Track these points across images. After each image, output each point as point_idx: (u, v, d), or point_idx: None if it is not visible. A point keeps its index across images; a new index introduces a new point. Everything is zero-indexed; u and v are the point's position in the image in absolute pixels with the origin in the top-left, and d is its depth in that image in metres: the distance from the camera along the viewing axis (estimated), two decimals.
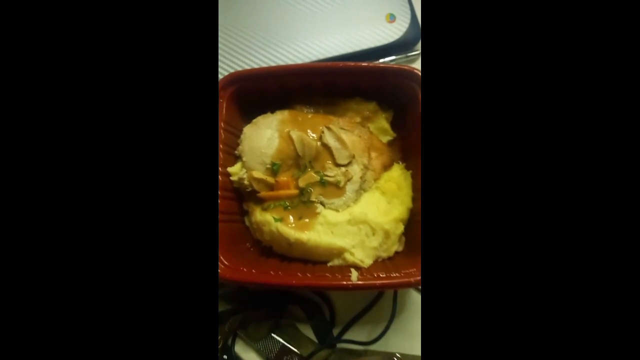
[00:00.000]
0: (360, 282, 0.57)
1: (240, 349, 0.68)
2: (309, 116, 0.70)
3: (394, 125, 0.72)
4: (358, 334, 0.68)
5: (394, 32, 0.79)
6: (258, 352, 0.67)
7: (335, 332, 0.69)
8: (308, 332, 0.69)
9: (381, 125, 0.71)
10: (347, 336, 0.68)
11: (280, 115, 0.68)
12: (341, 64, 0.65)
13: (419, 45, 0.82)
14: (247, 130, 0.68)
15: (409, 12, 0.80)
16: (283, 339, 0.67)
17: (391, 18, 0.80)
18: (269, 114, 0.69)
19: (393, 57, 0.80)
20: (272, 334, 0.67)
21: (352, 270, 0.60)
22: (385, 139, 0.72)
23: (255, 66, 0.76)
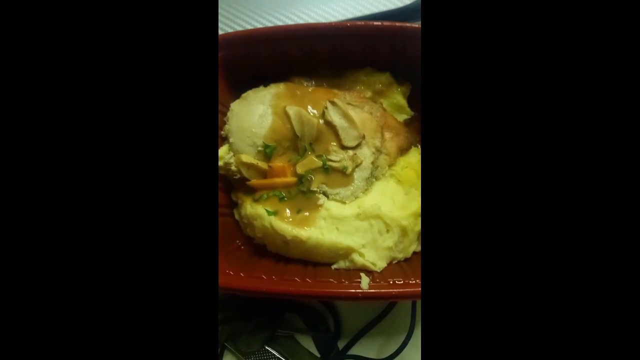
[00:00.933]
0: (372, 291, 0.46)
1: None
2: (310, 90, 0.58)
3: (412, 101, 0.60)
4: (368, 348, 0.59)
5: None
6: None
7: (341, 345, 0.59)
8: (309, 344, 0.59)
9: (396, 101, 0.60)
10: (354, 351, 0.58)
11: (275, 89, 0.57)
12: (350, 23, 0.53)
13: None
14: (235, 106, 0.57)
15: None
16: (279, 353, 0.58)
17: None
18: (261, 88, 0.58)
19: (411, 24, 0.68)
20: (267, 347, 0.58)
21: (362, 275, 0.49)
22: (402, 117, 0.60)
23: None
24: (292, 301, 0.60)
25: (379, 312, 0.59)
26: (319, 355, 0.59)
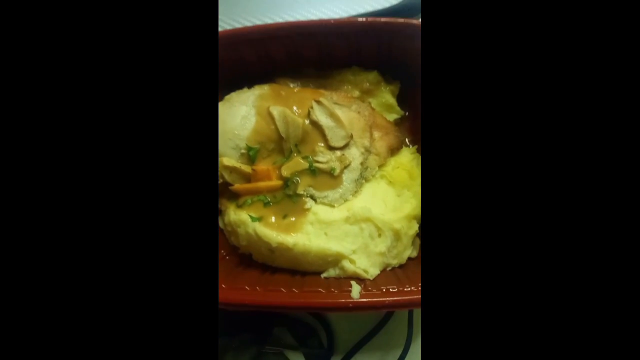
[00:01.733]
0: (364, 300, 0.43)
1: None
2: (295, 90, 0.56)
3: (402, 100, 0.58)
4: None
5: None
6: None
7: None
8: None
9: (385, 100, 0.58)
10: None
11: (259, 90, 0.55)
12: (334, 20, 0.52)
13: None
14: (219, 107, 0.54)
15: None
16: None
17: None
18: (245, 90, 0.56)
19: None
20: None
21: (353, 283, 0.46)
22: (391, 117, 0.58)
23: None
24: (281, 314, 0.56)
25: (375, 323, 0.55)
26: None
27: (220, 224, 0.56)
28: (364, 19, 0.51)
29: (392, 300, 0.42)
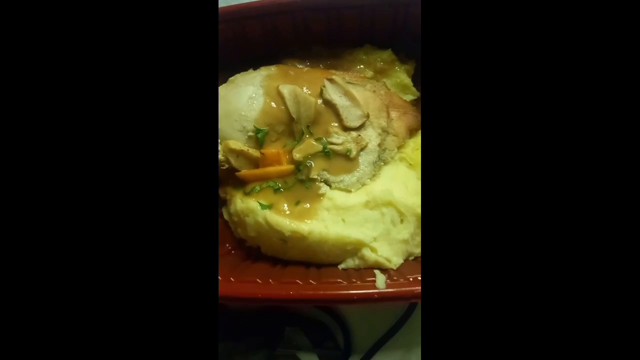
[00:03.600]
0: (390, 290, 0.39)
1: None
2: (305, 70, 0.53)
3: (418, 80, 0.55)
4: None
5: None
6: None
7: None
8: None
9: (400, 80, 0.55)
10: None
11: (266, 71, 0.52)
12: None
13: None
14: (222, 90, 0.51)
15: None
16: None
17: None
18: (250, 71, 0.52)
19: None
20: None
21: (377, 272, 0.42)
22: (407, 98, 0.55)
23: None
24: (293, 313, 0.52)
25: (395, 321, 0.51)
26: None
27: (225, 215, 0.51)
28: None
29: (421, 290, 0.38)
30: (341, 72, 0.53)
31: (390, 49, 0.54)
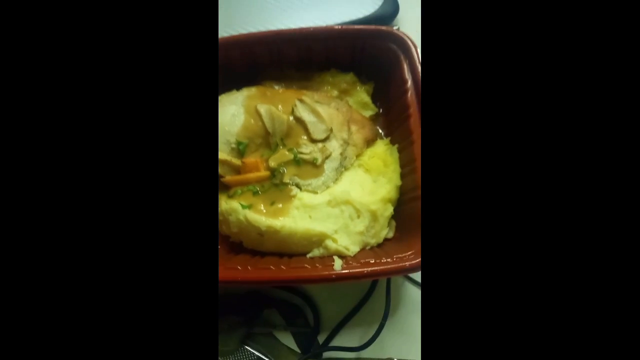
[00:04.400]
0: (345, 271, 0.48)
1: None
2: (280, 91, 0.62)
3: (375, 98, 0.65)
4: (348, 339, 0.58)
5: (370, 5, 0.73)
6: None
7: (321, 339, 0.59)
8: (289, 340, 0.59)
9: (361, 99, 0.64)
10: (335, 342, 0.58)
11: (247, 92, 0.60)
12: (313, 28, 0.58)
13: (397, 21, 0.76)
14: None
15: None
16: (258, 351, 0.57)
17: None
18: (233, 91, 0.61)
19: None
20: (245, 346, 0.57)
21: (336, 258, 0.50)
22: (367, 113, 0.64)
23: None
24: (269, 296, 0.60)
25: (357, 301, 0.59)
26: (299, 351, 0.58)
27: None
28: (340, 27, 0.58)
29: (371, 270, 0.47)
30: (311, 92, 0.62)
31: (352, 73, 0.64)
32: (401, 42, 0.57)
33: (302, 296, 0.60)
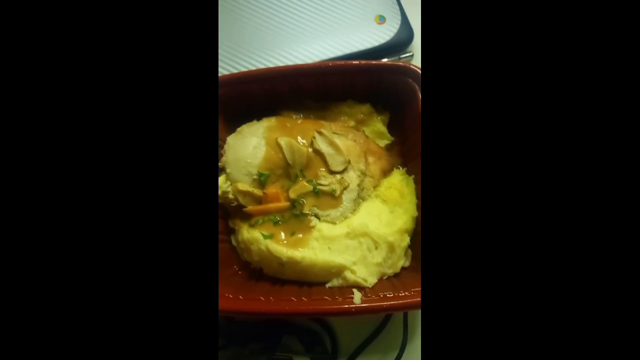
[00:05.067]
0: (364, 305, 0.49)
1: None
2: (299, 122, 0.64)
3: (391, 128, 0.67)
4: None
5: (385, 33, 0.75)
6: None
7: None
8: None
9: (377, 129, 0.66)
10: None
11: (267, 122, 0.62)
12: (331, 63, 0.60)
13: (412, 47, 0.78)
14: (231, 139, 0.62)
15: (398, 12, 0.77)
16: None
17: (380, 19, 0.76)
18: (254, 122, 0.63)
19: (385, 60, 0.76)
20: None
21: (355, 290, 0.52)
22: (383, 143, 0.66)
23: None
24: (289, 323, 0.61)
25: (374, 328, 0.61)
26: None
27: (234, 242, 0.62)
28: (358, 62, 0.59)
29: (389, 304, 0.48)
30: (328, 123, 0.64)
31: (368, 104, 0.65)
32: (416, 76, 0.58)
33: (321, 323, 0.61)
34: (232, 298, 0.52)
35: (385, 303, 0.49)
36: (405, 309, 0.50)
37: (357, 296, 0.50)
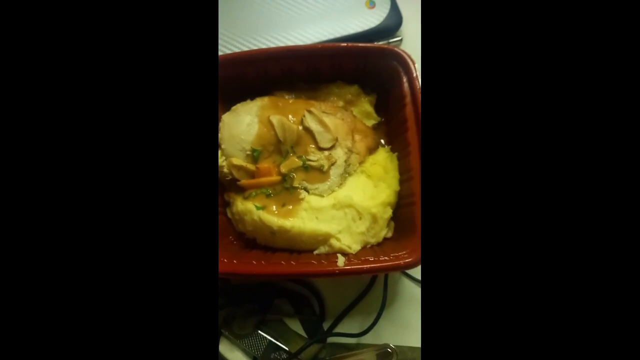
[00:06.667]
0: (347, 267, 0.54)
1: (224, 347, 0.64)
2: (290, 102, 0.68)
3: (378, 108, 0.70)
4: (349, 326, 0.65)
5: (375, 18, 0.78)
6: (244, 350, 0.63)
7: (326, 325, 0.66)
8: (297, 327, 0.65)
9: (364, 109, 0.69)
10: (338, 329, 0.65)
11: (260, 102, 0.66)
12: (321, 45, 0.64)
13: (400, 31, 0.81)
14: (226, 117, 0.65)
15: None
16: (270, 335, 0.64)
17: (371, 4, 0.79)
18: (248, 101, 0.67)
19: (375, 44, 0.79)
20: (259, 331, 0.64)
21: (339, 255, 0.57)
22: (370, 122, 0.70)
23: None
24: (280, 287, 0.66)
25: (358, 294, 0.66)
26: (306, 336, 0.65)
27: (229, 214, 0.66)
28: (345, 44, 0.63)
29: (369, 267, 0.53)
30: (318, 103, 0.68)
31: (357, 85, 0.69)
32: (401, 59, 0.62)
33: (310, 288, 0.66)
34: (227, 262, 0.57)
35: (365, 266, 0.54)
36: (384, 270, 0.56)
37: (341, 260, 0.55)
